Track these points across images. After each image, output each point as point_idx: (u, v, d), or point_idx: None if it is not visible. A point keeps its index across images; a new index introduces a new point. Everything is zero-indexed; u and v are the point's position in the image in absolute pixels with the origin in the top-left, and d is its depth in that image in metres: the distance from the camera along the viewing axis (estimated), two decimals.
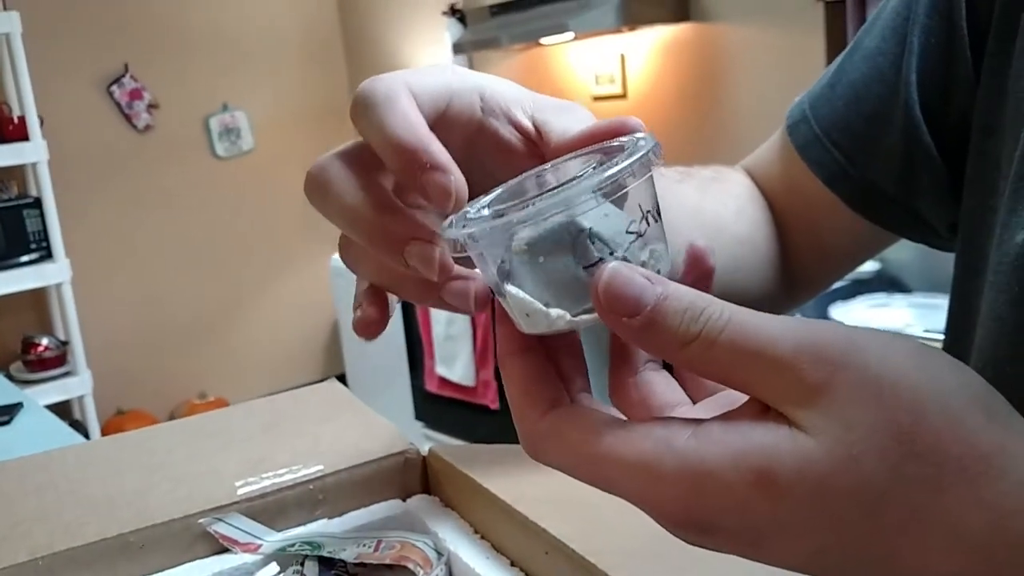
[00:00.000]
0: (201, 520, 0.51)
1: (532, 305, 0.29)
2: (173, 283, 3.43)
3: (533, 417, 0.29)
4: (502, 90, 0.37)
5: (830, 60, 2.26)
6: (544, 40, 2.74)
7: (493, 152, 0.37)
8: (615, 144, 0.32)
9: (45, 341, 2.98)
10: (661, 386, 0.32)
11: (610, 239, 0.29)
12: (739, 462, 0.25)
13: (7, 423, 1.57)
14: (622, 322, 0.27)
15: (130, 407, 3.34)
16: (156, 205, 3.38)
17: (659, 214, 0.31)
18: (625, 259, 0.29)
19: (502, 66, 3.16)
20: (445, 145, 0.33)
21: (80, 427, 2.82)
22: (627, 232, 0.29)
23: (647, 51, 2.63)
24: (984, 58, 0.48)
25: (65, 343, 3.00)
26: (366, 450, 0.57)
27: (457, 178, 0.32)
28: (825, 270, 0.63)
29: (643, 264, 0.29)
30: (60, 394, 2.93)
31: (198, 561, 0.51)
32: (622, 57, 2.69)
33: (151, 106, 3.34)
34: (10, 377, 2.49)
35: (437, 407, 2.86)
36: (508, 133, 0.37)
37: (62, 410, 2.81)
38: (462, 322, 2.55)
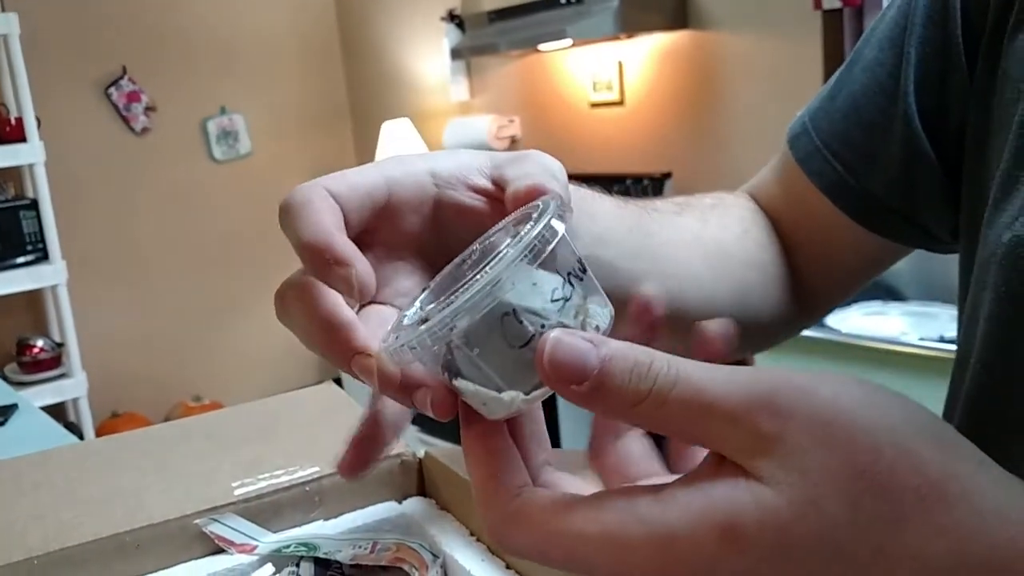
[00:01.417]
0: (197, 521, 0.51)
1: (486, 395, 0.29)
2: (169, 286, 3.43)
3: (499, 504, 0.29)
4: (453, 164, 0.39)
5: (827, 68, 2.28)
6: (542, 47, 2.74)
7: (459, 219, 0.38)
8: (531, 207, 0.33)
9: (40, 343, 2.98)
10: (637, 455, 0.33)
11: (541, 310, 0.29)
12: (703, 520, 0.26)
13: (2, 424, 1.57)
14: (571, 390, 0.27)
15: (125, 410, 3.33)
16: (153, 208, 3.38)
17: (584, 268, 0.31)
18: (563, 324, 0.29)
19: (500, 72, 3.17)
20: (396, 230, 0.36)
21: (75, 429, 2.82)
22: (552, 301, 0.29)
23: (644, 58, 2.64)
24: (977, 66, 0.48)
25: (60, 345, 2.99)
26: None
27: (360, 269, 0.33)
28: (835, 286, 0.63)
29: (582, 325, 0.29)
30: (55, 396, 2.92)
31: (193, 562, 0.51)
32: (620, 64, 2.70)
33: (149, 109, 3.34)
34: (4, 379, 2.48)
35: None
36: (469, 199, 0.38)
37: (56, 412, 2.81)
38: None
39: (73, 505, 0.53)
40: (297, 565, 0.50)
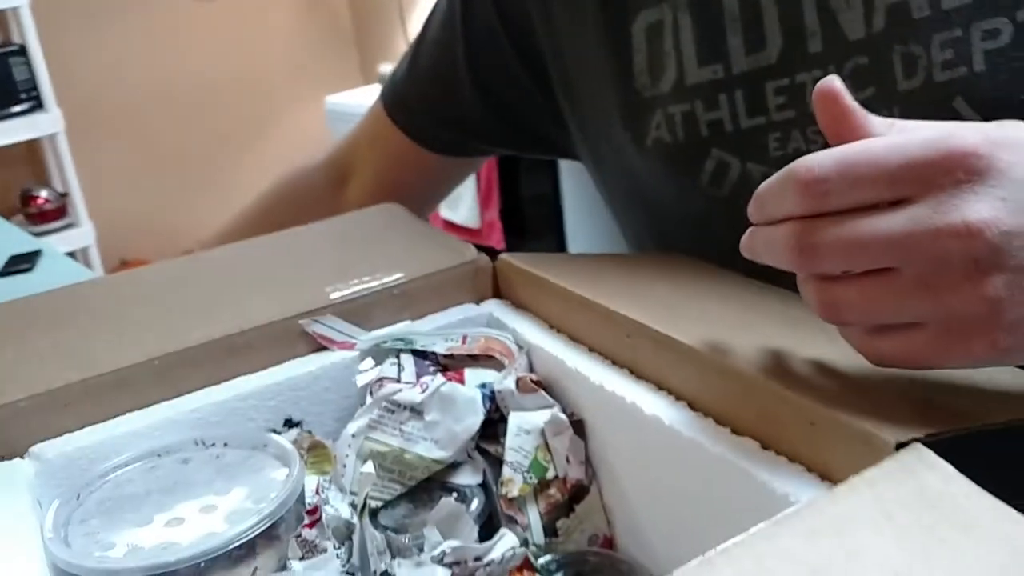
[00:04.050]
0: (300, 321, 0.55)
1: None
2: (168, 130, 3.39)
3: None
4: None
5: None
6: None
7: None
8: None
9: (44, 193, 2.98)
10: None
11: None
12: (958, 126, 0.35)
13: (29, 270, 1.60)
14: None
15: (134, 257, 3.37)
16: (144, 50, 3.29)
17: None
18: None
19: None
20: None
21: None
22: None
23: None
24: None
25: (64, 195, 2.99)
26: (439, 259, 0.61)
27: None
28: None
29: None
30: (64, 246, 2.94)
31: (300, 359, 0.55)
32: None
33: None
34: None
35: None
36: None
37: None
38: None
39: (180, 314, 0.57)
40: (398, 357, 0.55)
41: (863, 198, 0.35)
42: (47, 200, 2.97)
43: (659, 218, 0.68)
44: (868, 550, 0.30)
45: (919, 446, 0.33)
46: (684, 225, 0.65)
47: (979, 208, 0.33)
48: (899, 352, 0.36)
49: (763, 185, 0.38)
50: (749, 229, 0.40)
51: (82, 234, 3.01)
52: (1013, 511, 0.31)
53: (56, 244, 2.89)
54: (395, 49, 3.56)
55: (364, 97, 3.23)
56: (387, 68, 3.32)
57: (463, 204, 2.65)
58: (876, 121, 0.37)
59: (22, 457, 0.49)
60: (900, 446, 0.34)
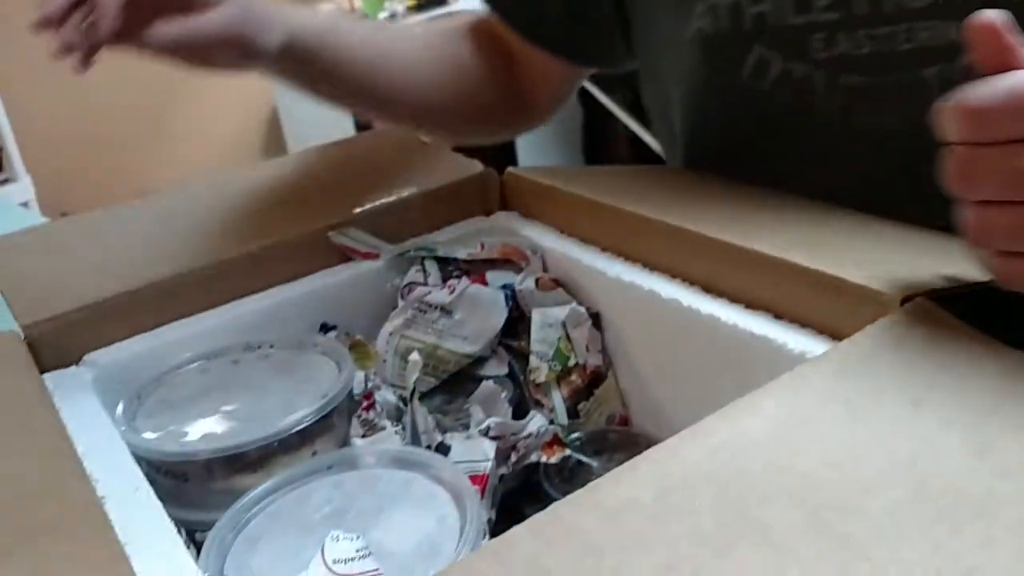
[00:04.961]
0: (329, 234, 0.59)
1: None
2: (103, 77, 3.29)
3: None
4: None
5: None
6: None
7: None
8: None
9: None
10: None
11: None
12: None
13: None
14: None
15: (74, 210, 3.30)
16: None
17: None
18: None
19: None
20: None
21: None
22: None
23: None
24: None
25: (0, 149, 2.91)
26: (449, 173, 0.65)
27: None
28: (537, 100, 0.78)
29: None
30: (3, 201, 2.87)
31: (329, 268, 0.59)
32: None
33: None
34: None
35: None
36: None
37: None
38: None
39: (210, 231, 0.60)
40: (422, 264, 0.58)
41: None
42: None
43: (693, 113, 0.66)
44: (890, 383, 0.35)
45: (923, 299, 0.39)
46: (715, 120, 0.64)
47: None
48: None
49: (936, 108, 0.38)
50: None
51: (21, 189, 2.94)
52: (1008, 347, 0.36)
53: None
54: None
55: None
56: (326, 8, 3.28)
57: None
58: None
59: (77, 365, 0.52)
60: (905, 300, 0.39)
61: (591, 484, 0.31)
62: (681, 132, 0.68)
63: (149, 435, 0.46)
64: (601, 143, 2.38)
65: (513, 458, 0.49)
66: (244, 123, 3.72)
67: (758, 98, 0.59)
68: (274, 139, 3.75)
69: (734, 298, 0.48)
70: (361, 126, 2.90)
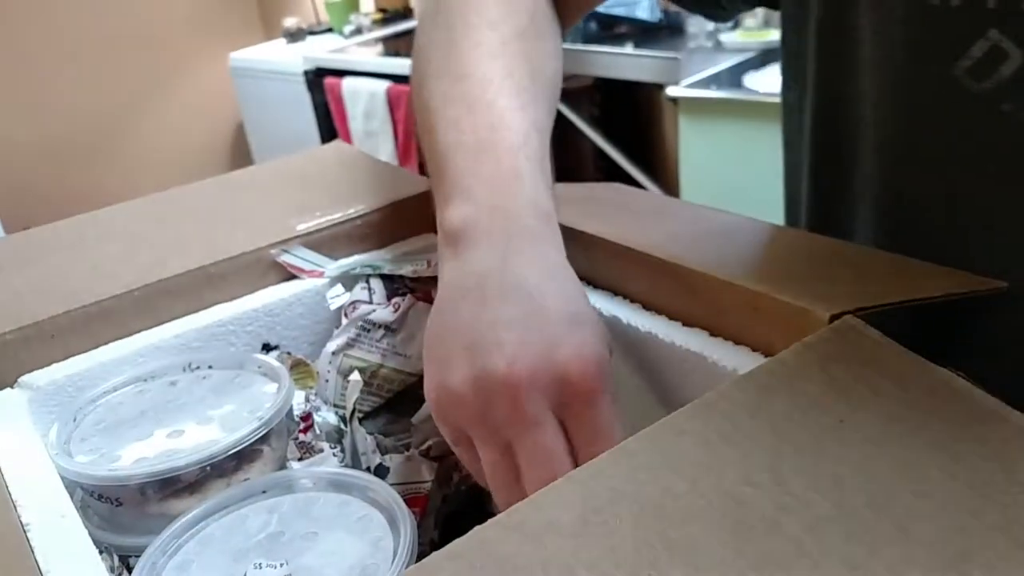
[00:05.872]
0: (271, 251, 0.58)
1: None
2: (65, 91, 3.27)
3: None
4: None
5: None
6: None
7: None
8: None
9: None
10: None
11: None
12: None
13: None
14: None
15: (38, 225, 3.25)
16: (37, 6, 3.15)
17: None
18: None
19: None
20: None
21: None
22: None
23: None
24: None
25: None
26: (396, 190, 0.64)
27: None
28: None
29: None
30: None
31: (272, 287, 0.58)
32: None
33: None
34: None
35: None
36: None
37: None
38: (382, 117, 2.56)
39: (152, 249, 0.59)
40: (367, 281, 0.58)
41: None
42: None
43: (864, 113, 0.51)
44: (813, 401, 0.35)
45: (851, 317, 0.39)
46: (898, 126, 0.49)
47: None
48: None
49: None
50: None
51: None
52: (935, 365, 0.37)
53: None
54: (296, 2, 3.49)
55: (267, 52, 3.18)
56: (290, 22, 3.27)
57: (381, 157, 2.65)
58: None
59: (12, 387, 0.51)
60: (834, 318, 0.40)
61: (513, 507, 0.31)
62: (843, 146, 0.54)
63: (82, 459, 0.46)
64: (566, 158, 2.39)
65: (455, 478, 0.49)
66: (209, 139, 3.70)
67: (972, 102, 0.45)
68: (241, 151, 3.73)
69: (672, 315, 0.48)
70: (326, 140, 2.89)
